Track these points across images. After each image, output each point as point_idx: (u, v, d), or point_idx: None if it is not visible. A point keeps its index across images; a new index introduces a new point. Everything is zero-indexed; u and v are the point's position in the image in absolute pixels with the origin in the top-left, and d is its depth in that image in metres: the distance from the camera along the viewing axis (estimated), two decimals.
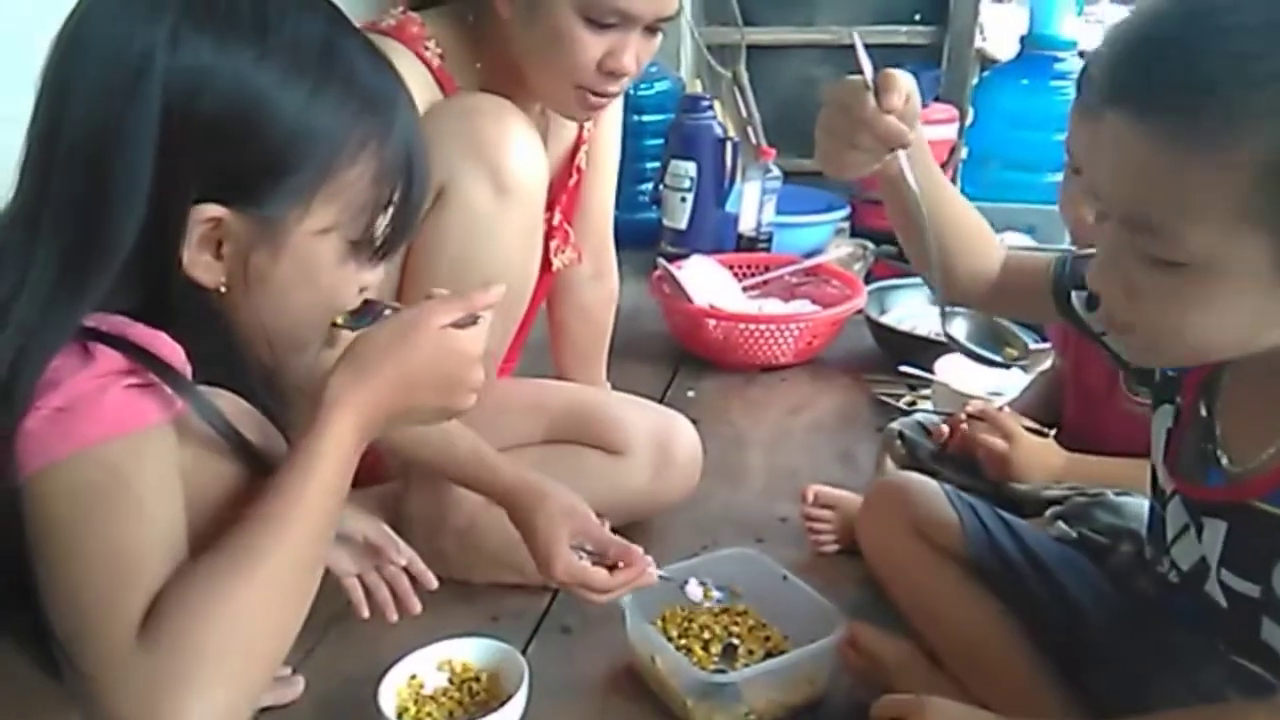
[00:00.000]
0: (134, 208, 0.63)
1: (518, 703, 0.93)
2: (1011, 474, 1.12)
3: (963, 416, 1.18)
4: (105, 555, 0.61)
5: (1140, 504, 1.00)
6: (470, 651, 1.00)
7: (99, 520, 0.61)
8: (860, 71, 0.80)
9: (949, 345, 0.97)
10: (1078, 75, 1.05)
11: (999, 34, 2.67)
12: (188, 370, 0.66)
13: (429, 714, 0.95)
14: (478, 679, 0.99)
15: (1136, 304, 0.64)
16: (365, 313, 0.77)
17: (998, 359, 0.95)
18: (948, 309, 0.94)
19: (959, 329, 0.96)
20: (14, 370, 0.61)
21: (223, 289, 0.69)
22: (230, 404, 0.70)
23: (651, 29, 1.11)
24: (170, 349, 0.65)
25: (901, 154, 0.83)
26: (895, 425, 1.26)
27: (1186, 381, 0.76)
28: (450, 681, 0.99)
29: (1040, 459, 1.12)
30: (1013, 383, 1.41)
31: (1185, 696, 0.80)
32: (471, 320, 0.75)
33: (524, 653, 1.09)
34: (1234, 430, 0.73)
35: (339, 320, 0.77)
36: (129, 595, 0.61)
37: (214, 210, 0.66)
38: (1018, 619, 0.95)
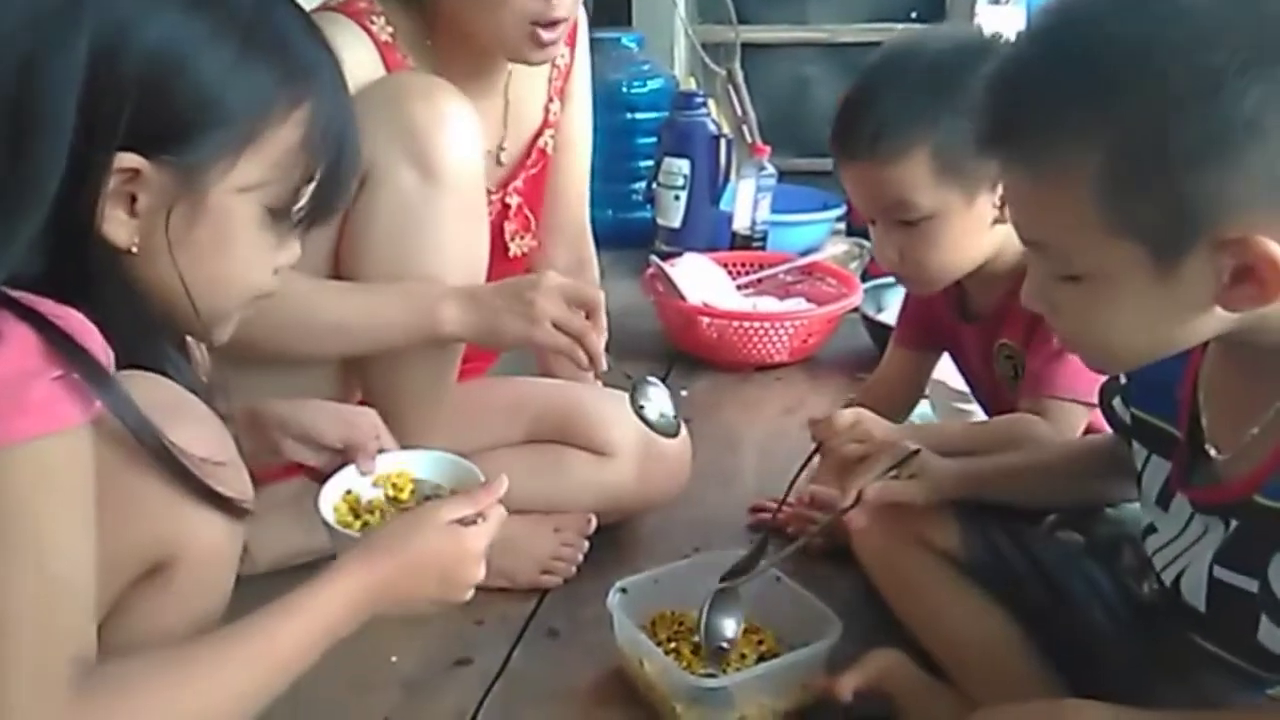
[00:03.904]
0: (57, 155, 0.61)
1: None
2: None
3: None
4: (33, 572, 0.58)
5: (1135, 509, 0.98)
6: (417, 465, 0.91)
7: (22, 532, 0.58)
8: None
9: None
10: (830, 135, 1.08)
11: (986, 28, 2.65)
12: (110, 355, 0.63)
13: (365, 525, 0.86)
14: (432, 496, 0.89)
15: (1062, 318, 0.71)
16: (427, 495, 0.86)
17: None
18: None
19: None
20: None
21: (134, 249, 0.66)
22: (166, 391, 0.68)
23: None
24: (85, 330, 0.61)
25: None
26: None
27: (1179, 422, 0.78)
28: (388, 498, 0.89)
29: (892, 435, 1.03)
30: None
31: (1192, 704, 0.78)
32: (474, 519, 0.78)
33: (509, 657, 1.07)
34: (1217, 418, 0.74)
35: (406, 505, 0.83)
36: (63, 620, 0.59)
37: (133, 160, 0.64)
38: (1020, 624, 0.92)
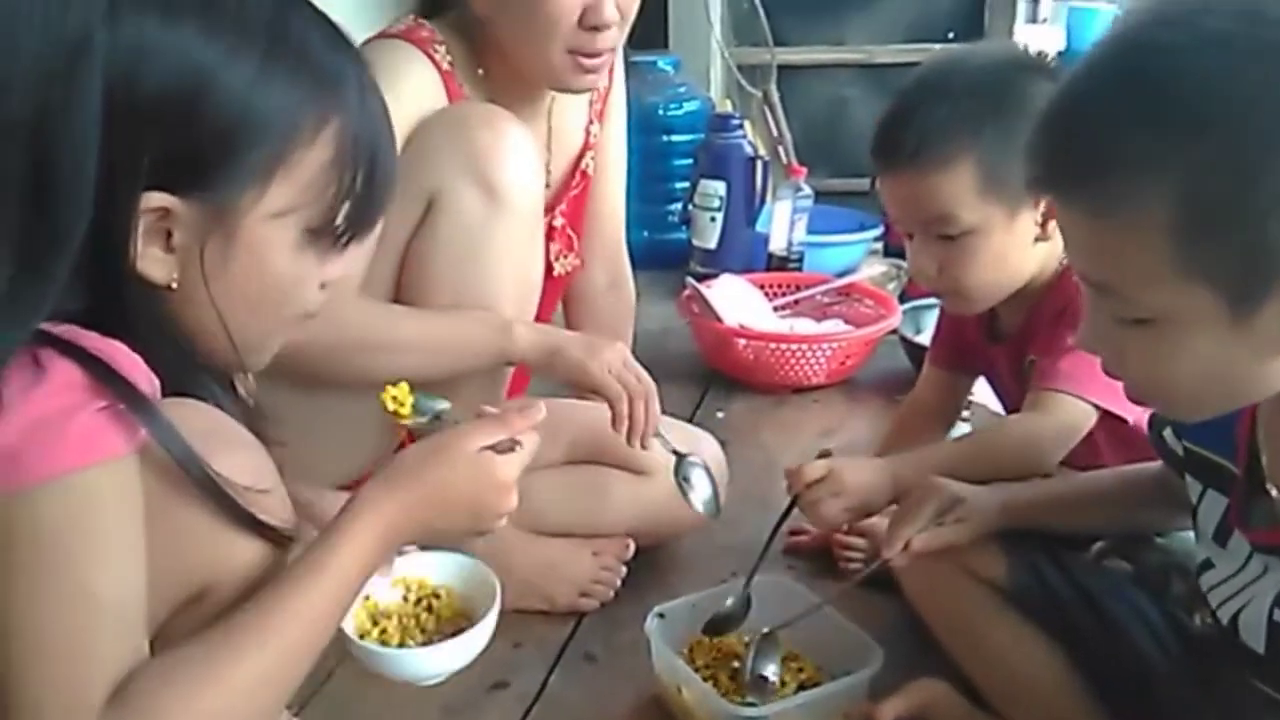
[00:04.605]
0: (83, 198, 0.60)
1: (486, 626, 0.83)
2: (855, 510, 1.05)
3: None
4: (75, 605, 0.58)
5: (1186, 537, 0.96)
6: (428, 568, 0.90)
7: (64, 565, 0.58)
8: None
9: None
10: (871, 146, 1.07)
11: (1030, 46, 2.63)
12: (155, 385, 0.62)
13: (383, 631, 0.86)
14: (437, 596, 0.90)
15: (1127, 363, 0.67)
16: (428, 411, 0.81)
17: None
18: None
19: None
20: None
21: (174, 285, 0.65)
22: (209, 418, 0.67)
23: None
24: (130, 361, 0.61)
25: None
26: None
27: (1237, 459, 0.75)
28: (404, 599, 0.89)
29: (869, 480, 1.04)
30: None
31: None
32: (510, 445, 0.75)
33: (546, 681, 1.07)
34: (1279, 457, 0.71)
35: (406, 420, 0.79)
36: (107, 650, 0.59)
37: (162, 199, 0.62)
38: (1066, 654, 0.90)
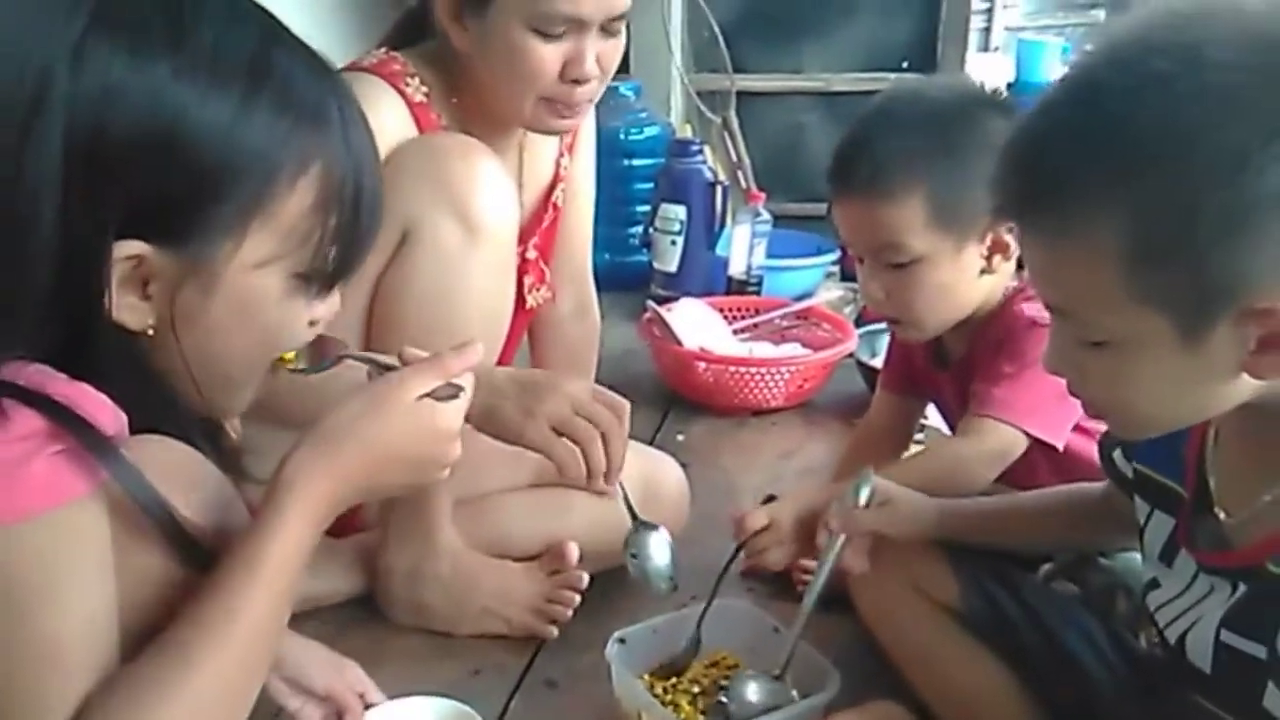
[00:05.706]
0: (41, 249, 0.58)
1: None
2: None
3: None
4: (29, 648, 0.57)
5: (1131, 558, 0.98)
6: (404, 716, 0.91)
7: (21, 609, 0.57)
8: None
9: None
10: (828, 172, 1.09)
11: (986, 81, 2.70)
12: (123, 426, 0.61)
13: None
14: None
15: (1087, 383, 0.70)
16: (326, 358, 0.73)
17: None
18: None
19: None
20: None
21: (151, 331, 0.63)
22: (176, 456, 0.66)
23: (608, 30, 1.10)
24: (96, 405, 0.59)
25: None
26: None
27: (1186, 481, 0.77)
28: None
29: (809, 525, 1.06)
30: None
31: None
32: (450, 392, 0.72)
33: (506, 708, 1.06)
34: (1227, 482, 0.73)
35: (299, 365, 0.73)
36: (57, 694, 0.58)
37: (135, 247, 0.60)
38: (1017, 676, 0.92)
